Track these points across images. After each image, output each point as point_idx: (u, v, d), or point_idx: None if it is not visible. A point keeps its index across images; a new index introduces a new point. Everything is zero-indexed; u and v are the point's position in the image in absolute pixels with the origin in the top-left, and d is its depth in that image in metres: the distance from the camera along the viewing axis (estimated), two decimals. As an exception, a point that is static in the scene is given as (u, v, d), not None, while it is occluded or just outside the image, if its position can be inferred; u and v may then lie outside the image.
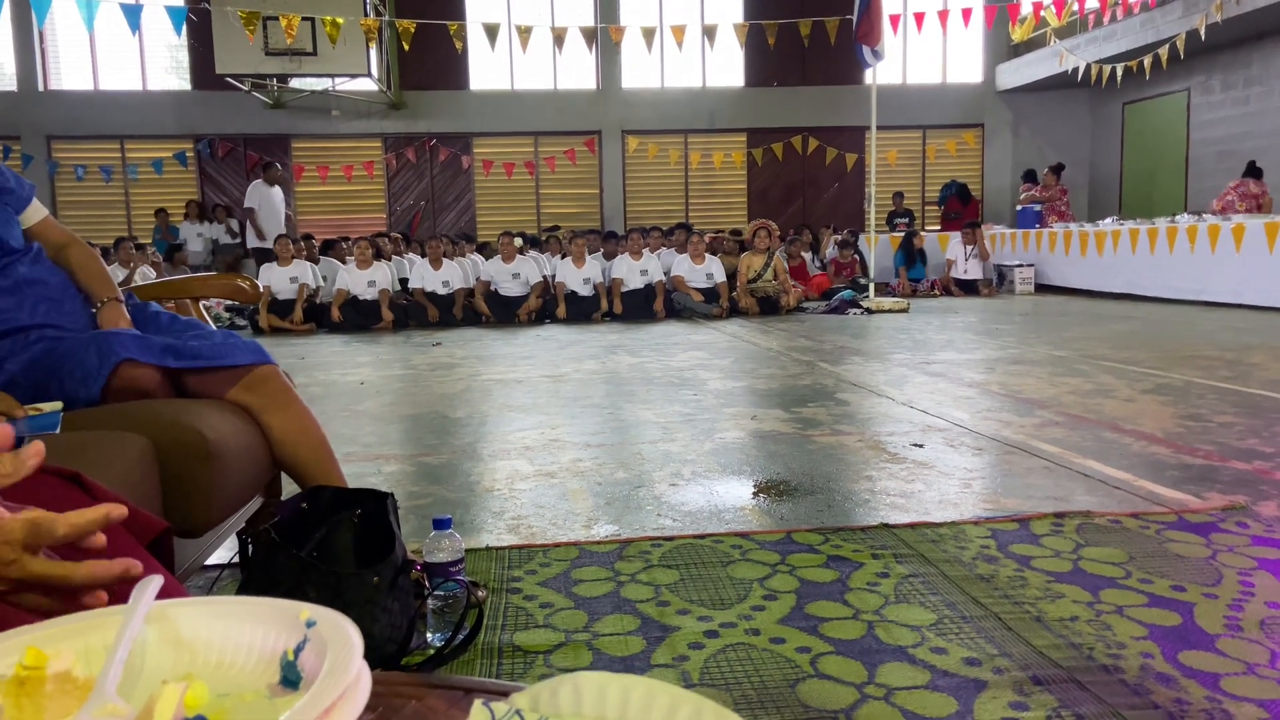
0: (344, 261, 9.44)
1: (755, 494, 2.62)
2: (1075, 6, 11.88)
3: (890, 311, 8.62)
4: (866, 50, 8.44)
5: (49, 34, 13.26)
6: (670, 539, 2.17)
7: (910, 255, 11.13)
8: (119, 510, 0.60)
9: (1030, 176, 12.57)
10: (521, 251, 9.27)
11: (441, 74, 13.67)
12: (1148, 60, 11.07)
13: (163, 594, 0.52)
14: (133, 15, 9.70)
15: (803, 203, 14.77)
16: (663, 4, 14.06)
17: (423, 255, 9.33)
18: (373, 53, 12.18)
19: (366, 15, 11.29)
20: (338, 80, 12.97)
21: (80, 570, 0.58)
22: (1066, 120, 14.68)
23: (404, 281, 9.29)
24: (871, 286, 9.25)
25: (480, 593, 1.80)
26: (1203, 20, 10.09)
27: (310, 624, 0.49)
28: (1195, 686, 1.41)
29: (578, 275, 8.87)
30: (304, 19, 10.81)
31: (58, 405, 1.40)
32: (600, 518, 2.41)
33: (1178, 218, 9.10)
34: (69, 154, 13.46)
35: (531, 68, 13.92)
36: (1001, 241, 11.65)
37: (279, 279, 8.63)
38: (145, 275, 9.07)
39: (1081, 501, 2.43)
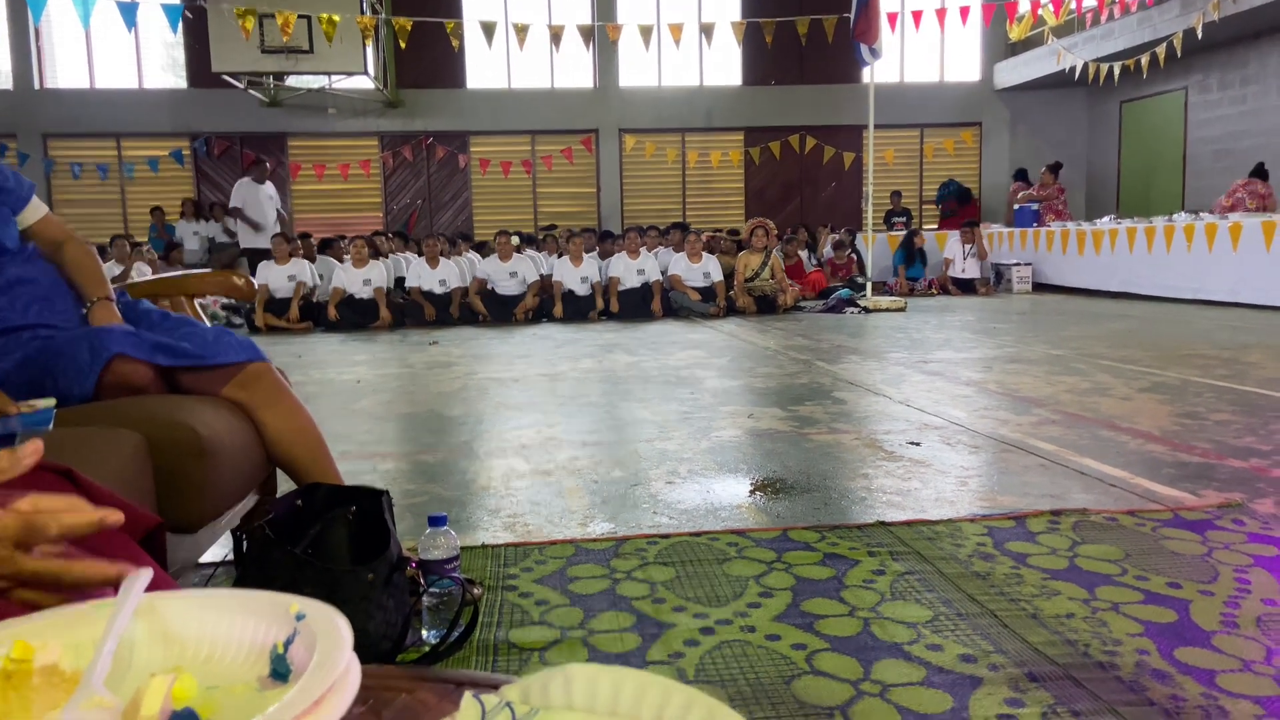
0: (341, 260, 9.43)
1: (751, 492, 2.62)
2: (1073, 5, 11.87)
3: (887, 310, 8.62)
4: (864, 49, 8.44)
5: (45, 31, 13.22)
6: (666, 536, 2.17)
7: (910, 254, 11.14)
8: (115, 515, 0.60)
9: (1022, 175, 12.56)
10: (518, 250, 9.27)
11: (438, 72, 13.65)
12: (1145, 59, 11.08)
13: (153, 588, 0.52)
14: (128, 13, 9.69)
15: (800, 202, 14.75)
16: (660, 2, 14.04)
17: (419, 254, 9.32)
18: (369, 51, 12.17)
19: (363, 13, 11.26)
20: (334, 78, 12.93)
21: (74, 570, 0.57)
22: (1064, 119, 14.68)
23: (400, 280, 9.28)
24: (869, 285, 9.25)
25: (475, 590, 1.80)
26: (1200, 19, 10.09)
27: (300, 617, 0.49)
28: (1191, 683, 1.41)
29: (575, 274, 8.86)
30: (300, 17, 10.78)
31: (51, 402, 1.40)
32: (596, 515, 2.40)
33: (1175, 217, 9.11)
34: (65, 152, 13.42)
35: (528, 66, 13.89)
36: (999, 240, 11.66)
37: (276, 277, 8.62)
38: (141, 273, 9.04)
39: (1078, 499, 2.43)
